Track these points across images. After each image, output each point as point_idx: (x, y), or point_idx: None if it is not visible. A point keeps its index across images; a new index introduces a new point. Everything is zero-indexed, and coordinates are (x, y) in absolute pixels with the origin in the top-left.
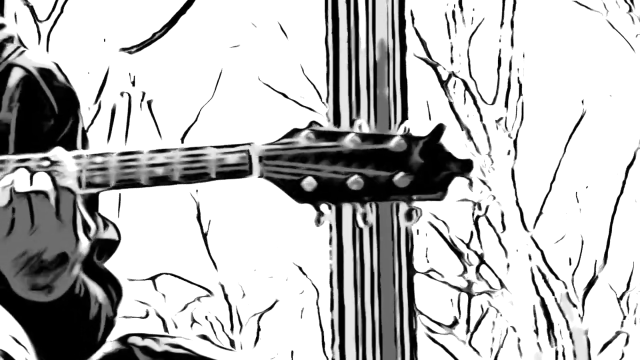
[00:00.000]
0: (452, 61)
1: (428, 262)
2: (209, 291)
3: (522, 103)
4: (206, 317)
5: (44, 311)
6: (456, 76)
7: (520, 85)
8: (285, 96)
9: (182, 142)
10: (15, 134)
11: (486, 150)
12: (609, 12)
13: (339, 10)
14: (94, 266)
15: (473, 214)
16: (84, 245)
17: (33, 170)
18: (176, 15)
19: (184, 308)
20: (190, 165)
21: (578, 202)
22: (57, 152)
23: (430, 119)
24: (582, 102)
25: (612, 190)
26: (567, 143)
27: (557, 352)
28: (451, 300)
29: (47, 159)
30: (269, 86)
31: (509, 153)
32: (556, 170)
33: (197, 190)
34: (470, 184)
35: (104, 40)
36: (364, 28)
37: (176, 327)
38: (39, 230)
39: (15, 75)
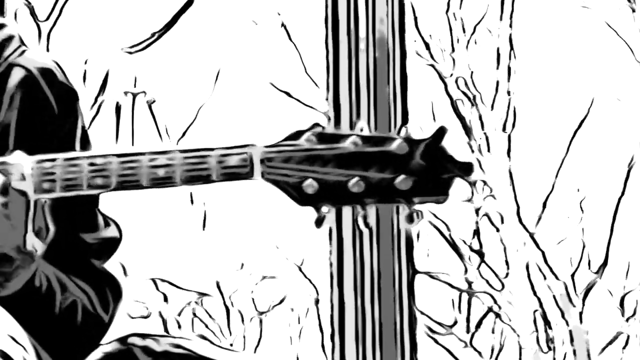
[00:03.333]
0: (454, 63)
1: (428, 262)
2: (204, 294)
3: (522, 104)
4: (207, 323)
5: (7, 304)
6: (447, 77)
7: (520, 86)
8: (289, 95)
9: (182, 141)
10: (16, 133)
11: (486, 150)
12: (608, 13)
13: (339, 10)
14: (89, 266)
15: (474, 214)
16: (35, 247)
17: None
18: (176, 15)
19: (183, 309)
20: (192, 167)
21: (579, 202)
22: (15, 156)
23: (434, 119)
24: (591, 102)
25: (614, 191)
26: (570, 144)
27: (556, 352)
28: (452, 300)
29: (3, 163)
30: (275, 86)
31: (509, 153)
32: (558, 171)
33: (197, 191)
34: (472, 186)
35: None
36: (364, 28)
37: (179, 327)
38: None
39: (16, 75)
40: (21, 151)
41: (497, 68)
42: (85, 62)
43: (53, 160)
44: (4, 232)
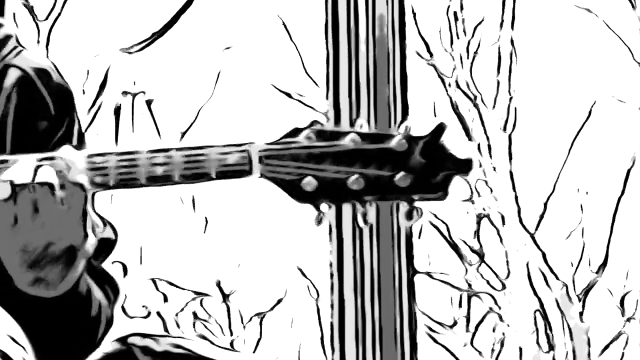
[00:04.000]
0: (455, 63)
1: (429, 262)
2: (205, 294)
3: (524, 104)
4: (207, 321)
5: (45, 307)
6: (452, 78)
7: (520, 87)
8: (289, 95)
9: (182, 141)
10: (12, 134)
11: (488, 150)
12: (608, 14)
13: (339, 11)
14: (92, 267)
15: (475, 214)
16: (91, 242)
17: (38, 164)
18: (176, 15)
19: (183, 309)
20: (190, 165)
21: (579, 202)
22: (67, 150)
23: (435, 115)
24: (592, 105)
25: (614, 191)
26: (572, 145)
27: (556, 353)
28: (451, 300)
29: (52, 158)
30: (276, 87)
31: (510, 154)
32: (560, 172)
33: (197, 191)
34: (472, 186)
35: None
36: (364, 28)
37: (178, 327)
38: (45, 222)
39: (12, 75)
40: (70, 146)
41: (498, 68)
42: (85, 62)
43: (105, 154)
44: (65, 228)
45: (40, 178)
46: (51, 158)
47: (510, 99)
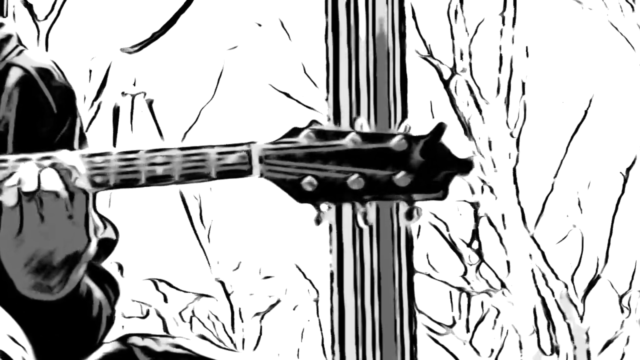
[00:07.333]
0: (454, 61)
1: (428, 262)
2: (207, 295)
3: (525, 102)
4: (208, 317)
5: (46, 310)
6: (458, 74)
7: (523, 85)
8: (289, 96)
9: (183, 142)
10: (14, 133)
11: (488, 149)
12: (610, 12)
13: (339, 11)
14: (93, 266)
15: (474, 214)
16: (93, 245)
17: (40, 168)
18: (176, 15)
19: (183, 310)
20: (190, 164)
21: (579, 201)
22: (65, 154)
23: (433, 117)
24: (590, 102)
25: (614, 190)
26: (569, 143)
27: (557, 352)
28: (451, 300)
29: (48, 157)
30: (275, 87)
31: (510, 153)
32: (557, 170)
33: (197, 191)
34: (472, 188)
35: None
36: (364, 28)
37: (178, 325)
38: (50, 229)
39: (14, 74)
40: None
41: (500, 68)
42: (84, 62)
43: (105, 154)
44: (69, 234)
45: (45, 184)
46: (50, 157)
47: (510, 96)
